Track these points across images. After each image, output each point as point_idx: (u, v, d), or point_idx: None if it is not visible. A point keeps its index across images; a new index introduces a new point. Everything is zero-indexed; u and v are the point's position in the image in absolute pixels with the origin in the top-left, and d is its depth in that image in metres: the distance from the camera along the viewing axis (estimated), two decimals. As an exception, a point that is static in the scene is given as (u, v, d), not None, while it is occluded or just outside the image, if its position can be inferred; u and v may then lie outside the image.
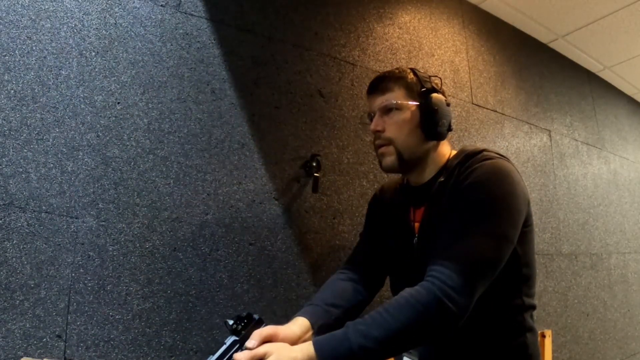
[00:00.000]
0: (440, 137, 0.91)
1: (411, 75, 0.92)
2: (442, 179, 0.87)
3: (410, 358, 0.91)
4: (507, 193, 0.79)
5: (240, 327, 0.75)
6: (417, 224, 0.92)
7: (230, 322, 0.75)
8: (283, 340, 0.74)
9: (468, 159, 0.86)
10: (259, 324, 0.76)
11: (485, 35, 2.06)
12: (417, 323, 0.69)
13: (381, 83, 0.93)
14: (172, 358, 1.06)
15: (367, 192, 1.48)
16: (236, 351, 0.72)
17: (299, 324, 0.81)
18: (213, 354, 0.72)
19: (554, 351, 1.95)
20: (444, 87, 0.97)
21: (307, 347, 0.69)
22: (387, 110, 0.91)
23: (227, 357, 0.71)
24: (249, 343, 0.71)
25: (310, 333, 0.81)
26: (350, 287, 0.97)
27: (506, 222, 0.77)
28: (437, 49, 1.82)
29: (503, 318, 0.84)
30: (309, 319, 0.83)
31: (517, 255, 0.83)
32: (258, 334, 0.73)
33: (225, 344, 0.73)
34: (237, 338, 0.73)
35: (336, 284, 0.97)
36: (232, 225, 1.20)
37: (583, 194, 2.37)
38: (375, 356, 0.69)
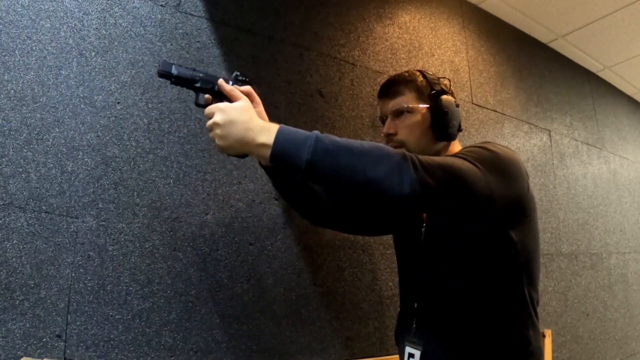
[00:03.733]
0: (450, 137, 0.93)
1: (421, 78, 0.94)
2: None
3: (414, 347, 0.91)
4: (504, 161, 0.81)
5: (241, 79, 0.86)
6: (425, 214, 0.94)
7: (238, 72, 0.86)
8: (258, 112, 0.82)
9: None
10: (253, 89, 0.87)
11: (485, 35, 2.06)
12: (376, 158, 0.69)
13: (392, 87, 0.95)
14: (172, 358, 1.06)
15: (367, 192, 1.48)
16: (225, 81, 0.83)
17: None
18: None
19: (554, 351, 1.95)
20: (452, 88, 0.98)
21: (274, 123, 0.74)
22: (399, 113, 0.93)
23: (216, 77, 0.82)
24: (239, 84, 0.83)
25: None
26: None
27: (494, 174, 0.77)
28: (437, 49, 1.82)
29: (506, 308, 0.85)
30: None
31: (512, 242, 0.84)
32: (249, 87, 0.84)
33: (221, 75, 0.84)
34: (232, 82, 0.84)
35: None
36: (232, 225, 1.20)
37: (583, 194, 2.37)
38: (325, 159, 0.68)
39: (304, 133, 0.70)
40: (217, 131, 0.73)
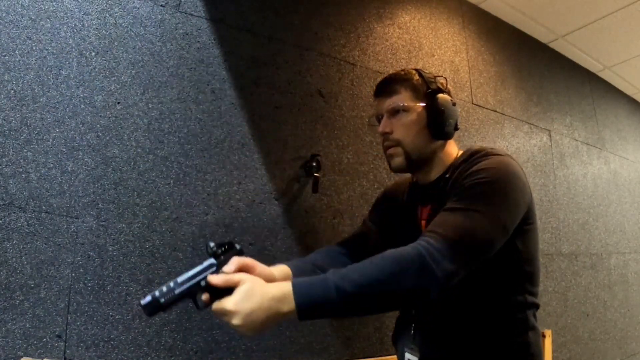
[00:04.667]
0: (447, 136, 0.92)
1: (417, 77, 0.94)
2: (448, 176, 0.89)
3: (411, 354, 0.91)
4: (507, 182, 0.80)
5: (220, 251, 0.75)
6: (423, 222, 0.93)
7: (212, 244, 0.75)
8: (259, 276, 0.73)
9: (473, 156, 0.87)
10: (239, 253, 0.77)
11: (485, 35, 2.06)
12: (397, 277, 0.69)
13: (388, 85, 0.94)
14: (172, 358, 1.06)
15: (367, 192, 1.48)
16: (211, 273, 0.72)
17: (280, 270, 0.81)
18: (187, 271, 0.72)
19: (554, 351, 1.95)
20: (449, 87, 0.97)
21: (284, 284, 0.69)
22: (395, 112, 0.92)
23: (201, 276, 0.72)
24: (226, 267, 0.72)
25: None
26: (343, 260, 0.98)
27: (501, 207, 0.78)
28: (437, 49, 1.82)
29: (506, 315, 0.85)
30: (291, 269, 0.83)
31: (518, 251, 0.83)
32: (236, 260, 0.73)
33: (202, 264, 0.73)
34: (214, 262, 0.74)
35: (330, 252, 0.99)
36: (232, 225, 1.20)
37: (583, 194, 2.37)
38: (352, 303, 0.68)
39: (320, 286, 0.68)
40: (242, 330, 0.68)
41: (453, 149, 0.95)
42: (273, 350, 1.20)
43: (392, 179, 1.41)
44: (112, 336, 0.99)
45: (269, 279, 0.75)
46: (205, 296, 0.72)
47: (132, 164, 1.08)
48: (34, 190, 0.96)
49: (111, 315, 1.00)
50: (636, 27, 2.17)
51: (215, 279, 0.70)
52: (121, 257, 1.03)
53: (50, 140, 0.99)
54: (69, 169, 1.00)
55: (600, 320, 2.28)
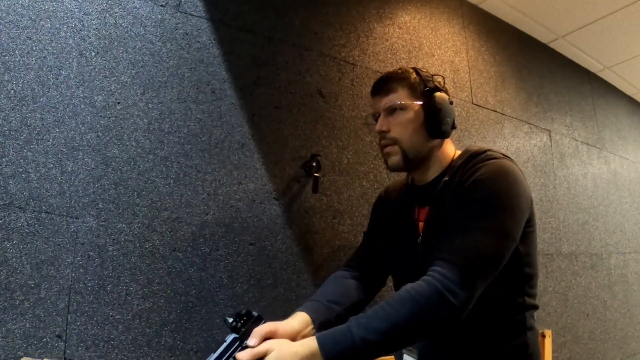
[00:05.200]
0: (444, 135, 0.92)
1: (414, 75, 0.93)
2: (447, 179, 0.88)
3: (410, 356, 0.91)
4: (509, 191, 0.80)
5: (239, 324, 0.75)
6: (421, 223, 0.93)
7: (230, 319, 0.75)
8: (283, 336, 0.75)
9: (472, 158, 0.87)
10: (258, 321, 0.77)
11: (485, 35, 2.06)
12: (418, 315, 0.70)
13: (385, 84, 0.94)
14: (172, 358, 1.06)
15: (367, 192, 1.48)
16: (236, 349, 0.72)
17: (299, 319, 0.82)
18: (214, 351, 0.72)
19: (554, 351, 1.95)
20: (446, 86, 0.97)
21: (309, 342, 0.70)
22: (392, 110, 0.92)
23: (227, 355, 0.72)
24: (250, 341, 0.72)
25: (310, 328, 0.82)
26: (352, 284, 0.98)
27: (508, 218, 0.78)
28: (437, 49, 1.82)
29: (504, 317, 0.85)
30: (309, 314, 0.84)
31: (519, 254, 0.83)
32: (258, 331, 0.74)
33: (225, 341, 0.73)
34: (237, 336, 0.74)
35: (338, 281, 0.98)
36: (232, 225, 1.20)
37: (583, 194, 2.37)
38: (379, 349, 0.70)
39: (344, 339, 0.69)
40: None
41: (450, 149, 0.95)
42: (273, 350, 1.20)
43: (392, 179, 1.42)
44: (112, 336, 0.99)
45: (293, 335, 0.77)
46: None
47: (132, 164, 1.08)
48: (34, 190, 0.96)
49: (111, 315, 1.00)
50: (636, 27, 2.17)
51: (243, 357, 0.70)
52: (121, 257, 1.03)
53: (50, 140, 0.99)
54: (69, 169, 1.00)
55: (600, 320, 2.28)
